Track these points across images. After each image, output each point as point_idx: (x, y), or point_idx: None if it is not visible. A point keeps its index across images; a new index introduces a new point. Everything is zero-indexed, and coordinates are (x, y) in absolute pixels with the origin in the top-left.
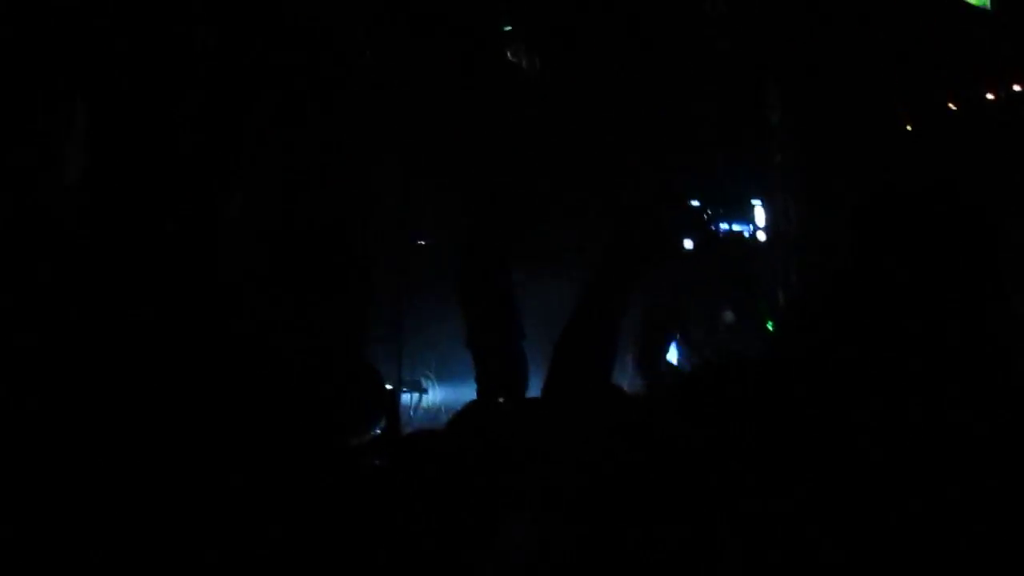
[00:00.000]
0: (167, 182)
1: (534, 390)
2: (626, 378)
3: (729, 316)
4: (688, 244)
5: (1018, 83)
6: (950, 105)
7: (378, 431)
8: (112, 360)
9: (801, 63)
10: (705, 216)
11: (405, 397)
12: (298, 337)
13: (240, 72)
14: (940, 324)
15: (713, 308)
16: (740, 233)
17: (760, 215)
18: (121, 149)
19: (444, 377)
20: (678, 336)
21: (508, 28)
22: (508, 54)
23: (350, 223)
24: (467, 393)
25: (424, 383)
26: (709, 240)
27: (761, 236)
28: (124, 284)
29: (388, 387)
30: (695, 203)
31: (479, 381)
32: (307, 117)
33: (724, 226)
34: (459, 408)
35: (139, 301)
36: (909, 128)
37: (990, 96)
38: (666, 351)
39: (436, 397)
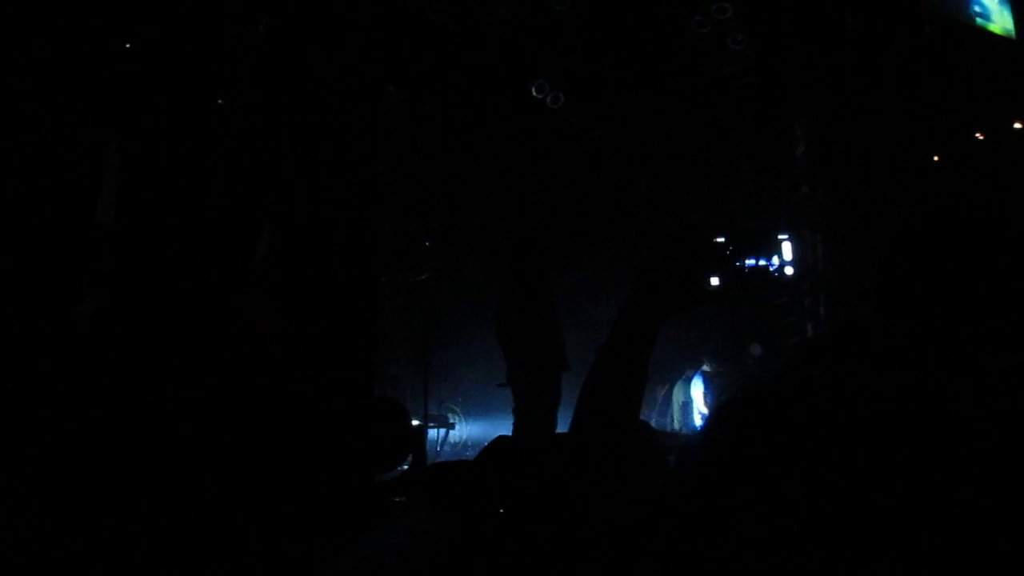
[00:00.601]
0: (194, 228)
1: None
2: (653, 413)
3: (756, 349)
4: (714, 281)
5: None
6: (977, 135)
7: (404, 467)
8: (142, 399)
9: (826, 95)
10: (730, 252)
11: (432, 432)
12: (323, 375)
13: (266, 118)
14: (963, 362)
15: (741, 341)
16: (766, 268)
17: (787, 249)
18: (150, 193)
19: (471, 412)
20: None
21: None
22: (533, 91)
23: (371, 260)
24: (494, 428)
25: (451, 418)
26: (735, 277)
27: (788, 271)
28: (153, 322)
29: (415, 423)
30: (720, 239)
31: (516, 414)
32: (330, 158)
33: (750, 262)
34: (486, 443)
35: (168, 339)
36: (936, 158)
37: (1017, 125)
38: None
39: (463, 432)
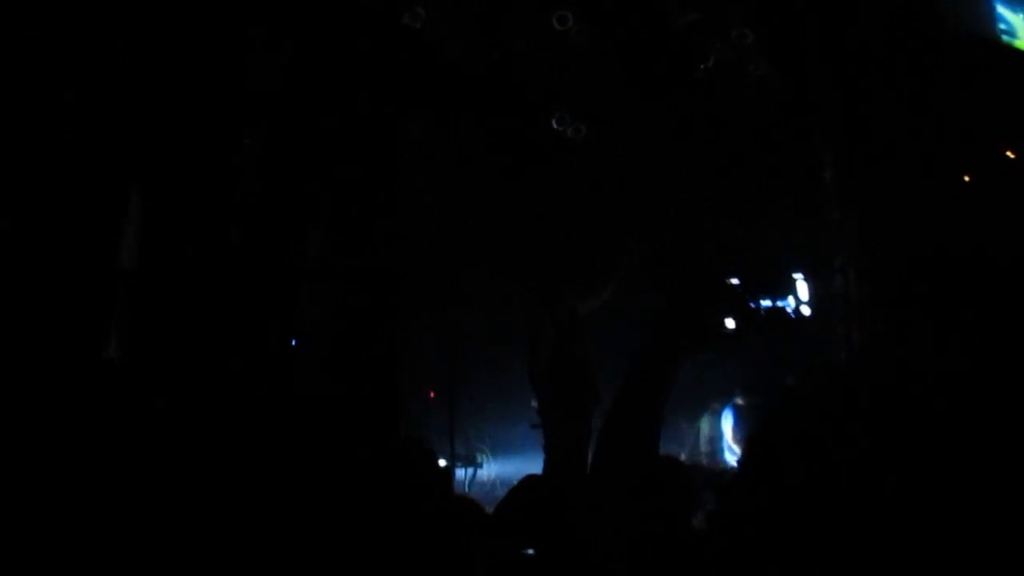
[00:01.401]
0: (215, 275)
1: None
2: (686, 448)
3: (792, 380)
4: (730, 324)
5: None
6: (1008, 153)
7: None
8: (176, 433)
9: (852, 118)
10: (745, 294)
11: (459, 472)
12: (344, 416)
13: (286, 165)
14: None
15: (776, 373)
16: (782, 309)
17: (803, 289)
18: (174, 235)
19: (500, 450)
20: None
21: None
22: (553, 123)
23: (392, 294)
24: (524, 467)
25: (479, 457)
26: (751, 319)
27: (805, 311)
28: (178, 371)
29: (441, 462)
30: (735, 281)
31: (547, 451)
32: (352, 191)
33: (765, 303)
34: (515, 482)
35: (193, 391)
36: (967, 178)
37: None
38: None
39: (491, 471)
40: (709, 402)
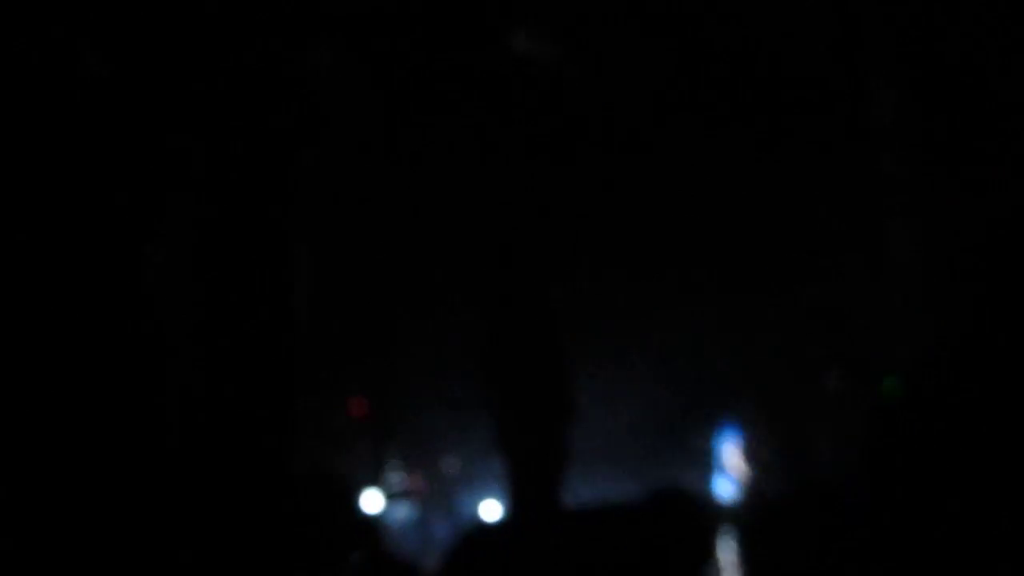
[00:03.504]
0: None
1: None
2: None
3: (835, 377)
4: None
5: None
6: None
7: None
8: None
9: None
10: None
11: (399, 511)
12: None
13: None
14: None
15: (813, 367)
16: None
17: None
18: None
19: (469, 477)
20: None
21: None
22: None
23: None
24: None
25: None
26: None
27: None
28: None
29: (371, 498)
30: None
31: (507, 488)
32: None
33: None
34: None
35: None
36: None
37: None
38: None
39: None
40: (706, 408)
